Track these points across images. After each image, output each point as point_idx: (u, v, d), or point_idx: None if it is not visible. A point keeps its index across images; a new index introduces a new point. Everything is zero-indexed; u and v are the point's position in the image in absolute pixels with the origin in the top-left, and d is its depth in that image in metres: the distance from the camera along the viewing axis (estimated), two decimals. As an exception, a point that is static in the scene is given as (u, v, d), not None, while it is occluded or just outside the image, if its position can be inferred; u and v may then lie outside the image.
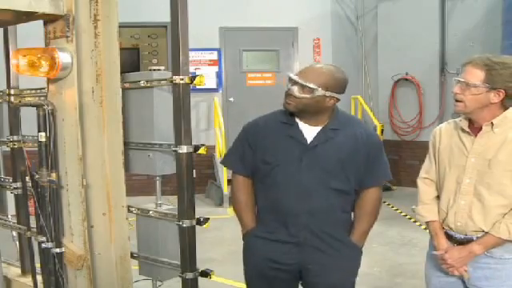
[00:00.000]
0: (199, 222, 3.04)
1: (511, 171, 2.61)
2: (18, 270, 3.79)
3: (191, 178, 3.00)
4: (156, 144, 3.13)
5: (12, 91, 3.63)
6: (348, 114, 2.98)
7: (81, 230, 2.84)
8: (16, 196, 3.66)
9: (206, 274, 3.08)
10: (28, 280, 3.52)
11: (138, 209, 3.27)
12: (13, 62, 2.76)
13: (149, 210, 3.22)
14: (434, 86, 9.64)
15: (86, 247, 2.85)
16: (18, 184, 3.56)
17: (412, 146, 9.85)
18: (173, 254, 3.13)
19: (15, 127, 3.64)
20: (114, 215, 2.97)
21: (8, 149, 3.73)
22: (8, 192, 3.85)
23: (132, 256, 3.19)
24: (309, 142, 2.80)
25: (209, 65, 9.71)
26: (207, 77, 8.48)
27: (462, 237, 2.74)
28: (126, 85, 3.13)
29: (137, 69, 11.60)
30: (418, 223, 7.39)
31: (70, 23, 2.70)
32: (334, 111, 2.87)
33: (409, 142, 9.93)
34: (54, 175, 2.80)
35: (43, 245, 2.88)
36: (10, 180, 3.71)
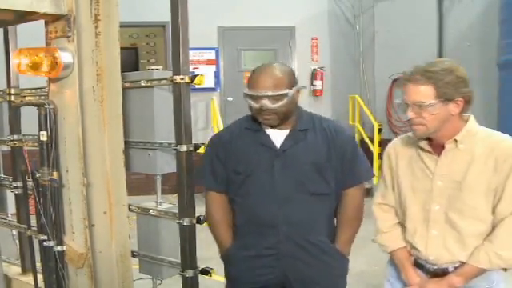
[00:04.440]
0: (199, 221, 3.05)
1: (484, 192, 2.31)
2: (19, 269, 3.81)
3: (191, 177, 3.02)
4: (156, 143, 3.15)
5: (12, 90, 3.64)
6: (312, 112, 2.81)
7: (82, 228, 2.86)
8: (16, 195, 3.68)
9: (206, 272, 3.10)
10: (29, 279, 3.54)
11: (139, 207, 3.29)
12: (14, 61, 2.77)
13: (149, 209, 3.23)
14: (431, 85, 9.65)
15: (86, 245, 2.87)
16: (19, 183, 3.58)
17: (410, 145, 9.86)
18: (173, 252, 3.15)
19: (16, 126, 3.66)
20: (114, 214, 2.99)
21: (8, 148, 3.74)
22: (8, 191, 3.87)
23: (132, 254, 3.21)
24: (278, 146, 2.65)
25: (207, 64, 9.73)
26: (205, 76, 8.51)
27: (436, 267, 2.44)
28: (127, 84, 3.15)
29: (135, 68, 11.63)
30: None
31: (70, 23, 2.72)
32: (299, 111, 2.72)
33: (406, 141, 9.94)
34: (55, 174, 2.82)
35: (44, 243, 2.89)
36: (11, 179, 3.73)
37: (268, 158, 2.64)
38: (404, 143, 2.56)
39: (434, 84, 2.26)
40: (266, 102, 2.53)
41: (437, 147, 2.41)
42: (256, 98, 2.56)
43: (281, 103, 2.54)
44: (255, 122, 2.69)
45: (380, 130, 9.54)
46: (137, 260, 3.35)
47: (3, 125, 3.83)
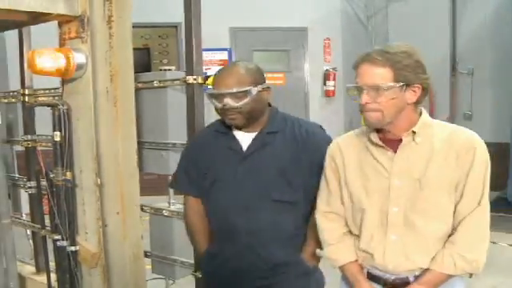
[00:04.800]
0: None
1: (446, 190, 2.08)
2: (33, 268, 3.84)
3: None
4: (169, 143, 3.15)
5: (26, 91, 3.67)
6: (288, 114, 2.65)
7: (95, 228, 2.88)
8: (30, 195, 3.70)
9: (218, 272, 3.09)
10: (42, 278, 3.56)
11: (151, 208, 3.30)
12: (28, 62, 2.79)
13: (162, 209, 3.24)
14: (444, 86, 9.60)
15: (100, 245, 2.88)
16: (33, 183, 3.60)
17: (422, 146, 9.79)
18: (185, 252, 3.15)
19: (29, 127, 3.68)
20: (127, 214, 2.99)
21: (22, 148, 3.77)
22: (22, 191, 3.90)
23: (145, 255, 3.22)
24: (245, 150, 2.51)
25: (219, 65, 9.71)
26: (218, 77, 8.50)
27: (393, 277, 2.17)
28: (140, 85, 3.16)
29: (148, 69, 11.65)
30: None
31: (84, 24, 2.74)
32: (272, 112, 2.57)
33: (419, 142, 9.88)
34: (68, 174, 2.84)
35: (58, 243, 2.91)
36: (25, 179, 3.75)
37: (234, 161, 2.51)
38: (349, 141, 2.29)
39: (393, 66, 2.04)
40: (229, 101, 2.42)
41: (390, 142, 2.15)
42: (218, 97, 2.45)
43: (244, 101, 2.41)
44: (225, 125, 2.56)
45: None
46: (149, 260, 3.36)
47: (17, 125, 3.86)
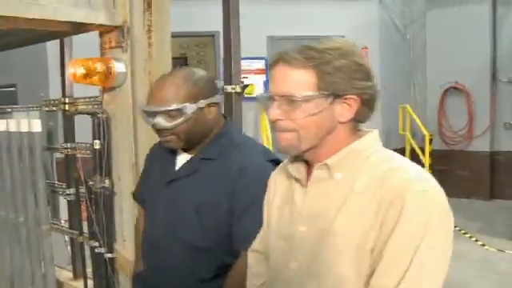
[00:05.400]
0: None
1: (353, 250, 1.40)
2: (70, 274, 3.87)
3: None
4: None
5: (67, 100, 3.72)
6: (243, 136, 2.22)
7: (133, 235, 2.89)
8: (69, 202, 3.75)
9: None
10: (79, 284, 3.59)
11: (188, 216, 3.30)
12: (70, 71, 2.84)
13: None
14: (484, 95, 9.46)
15: (137, 253, 2.89)
16: (72, 190, 3.65)
17: (462, 156, 9.66)
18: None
19: (69, 134, 3.73)
20: (164, 222, 3.00)
21: (62, 155, 3.82)
22: (61, 198, 3.95)
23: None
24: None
25: (256, 74, 9.76)
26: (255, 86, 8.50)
27: None
28: (177, 94, 3.17)
29: (185, 77, 11.74)
30: (468, 235, 7.21)
31: (124, 34, 2.77)
32: (221, 132, 2.13)
33: (458, 152, 9.75)
34: (107, 182, 2.87)
35: (96, 250, 2.94)
36: (64, 186, 3.81)
37: (161, 185, 2.17)
38: (284, 169, 1.68)
39: (317, 68, 1.43)
40: (160, 120, 2.00)
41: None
42: (150, 115, 2.05)
43: (178, 121, 1.99)
44: None
45: (431, 141, 9.37)
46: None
47: (57, 133, 3.92)
